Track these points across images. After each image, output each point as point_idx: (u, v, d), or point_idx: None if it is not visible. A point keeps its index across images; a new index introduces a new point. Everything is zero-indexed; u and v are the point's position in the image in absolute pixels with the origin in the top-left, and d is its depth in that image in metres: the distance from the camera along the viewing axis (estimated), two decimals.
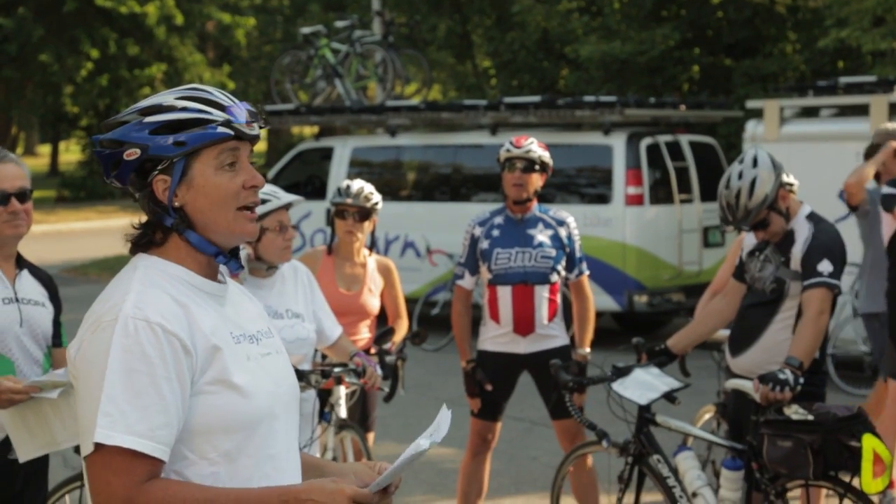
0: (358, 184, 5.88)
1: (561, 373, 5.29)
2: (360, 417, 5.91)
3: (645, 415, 5.18)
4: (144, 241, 2.42)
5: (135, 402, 2.20)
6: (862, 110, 10.15)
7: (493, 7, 20.07)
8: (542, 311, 5.89)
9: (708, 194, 12.54)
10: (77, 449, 4.67)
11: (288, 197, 4.92)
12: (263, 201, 4.79)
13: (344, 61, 15.61)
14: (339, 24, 16.46)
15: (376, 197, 5.85)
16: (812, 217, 5.07)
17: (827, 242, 4.95)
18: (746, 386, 4.84)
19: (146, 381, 2.21)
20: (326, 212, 13.89)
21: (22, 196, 3.97)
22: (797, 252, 4.98)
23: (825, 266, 4.88)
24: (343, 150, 14.00)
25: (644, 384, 5.13)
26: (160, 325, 2.26)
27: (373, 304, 5.94)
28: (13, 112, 28.94)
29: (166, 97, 2.38)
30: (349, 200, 5.79)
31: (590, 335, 5.99)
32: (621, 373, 5.18)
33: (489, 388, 5.93)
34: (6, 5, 26.24)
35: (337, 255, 5.94)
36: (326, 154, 14.19)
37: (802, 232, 5.01)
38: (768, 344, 5.04)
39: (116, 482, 2.17)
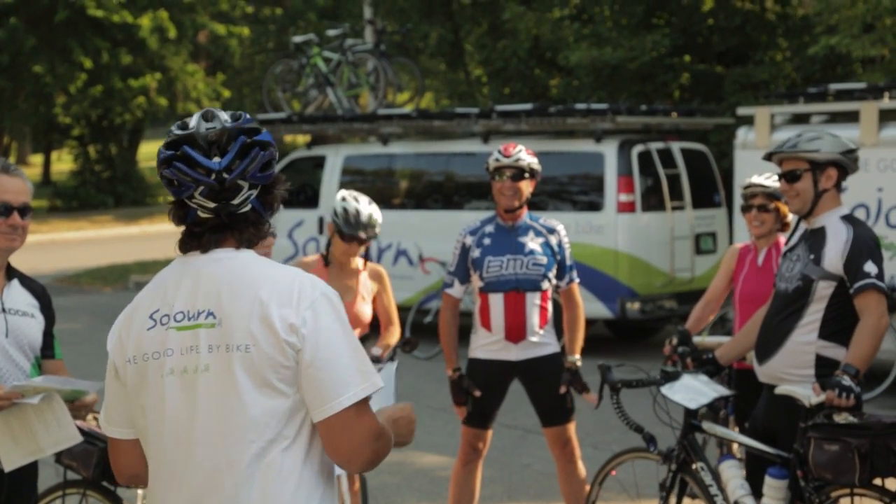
0: (367, 211, 5.76)
1: (609, 374, 5.26)
2: None
3: (692, 421, 5.15)
4: (251, 237, 2.78)
5: (364, 355, 2.75)
6: (852, 117, 10.19)
7: (485, 15, 20.09)
8: (534, 318, 5.90)
9: (699, 201, 12.58)
10: (58, 458, 4.68)
11: None
12: None
13: (336, 70, 15.62)
14: (331, 32, 16.48)
15: (380, 220, 5.82)
16: (848, 218, 4.90)
17: (869, 244, 4.80)
18: (800, 392, 4.72)
19: (357, 339, 2.75)
20: (319, 220, 13.99)
21: (23, 211, 4.01)
22: (831, 252, 4.80)
23: (871, 267, 4.72)
24: (335, 158, 14.01)
25: (693, 389, 5.09)
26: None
27: (366, 312, 5.93)
28: (5, 122, 28.91)
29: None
30: (362, 234, 5.74)
31: (580, 342, 5.99)
32: (670, 377, 5.13)
33: (477, 394, 5.93)
34: None
35: (331, 265, 5.92)
36: (319, 162, 14.21)
37: (839, 233, 4.82)
38: (793, 348, 4.87)
39: (374, 421, 2.71)
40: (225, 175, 2.67)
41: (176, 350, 2.70)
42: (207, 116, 2.73)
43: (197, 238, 2.74)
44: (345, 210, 5.77)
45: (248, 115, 2.77)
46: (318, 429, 2.68)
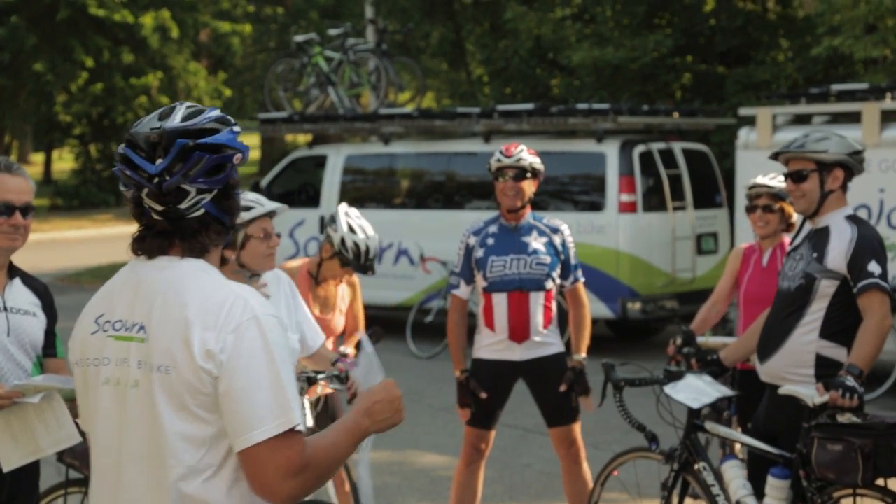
0: (374, 246, 5.73)
1: (612, 372, 5.24)
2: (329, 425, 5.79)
3: (694, 421, 5.14)
4: (202, 245, 2.64)
5: (292, 388, 2.55)
6: (854, 117, 10.18)
7: (486, 15, 20.09)
8: (538, 318, 5.89)
9: (701, 201, 12.57)
10: (60, 457, 4.67)
11: (271, 205, 4.85)
12: (247, 208, 4.78)
13: (337, 69, 15.62)
14: (333, 31, 16.48)
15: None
16: (854, 218, 4.89)
17: (874, 243, 4.79)
18: (803, 392, 4.71)
19: (290, 369, 2.57)
20: (320, 219, 13.97)
21: (25, 210, 4.00)
22: (834, 250, 4.79)
23: (875, 267, 4.72)
24: (337, 157, 14.01)
25: (696, 389, 5.08)
26: (281, 321, 2.62)
27: (340, 323, 5.91)
28: (6, 120, 28.92)
29: (202, 108, 2.67)
30: (369, 273, 5.73)
31: (586, 341, 5.98)
32: (673, 376, 5.13)
33: (483, 396, 5.92)
34: None
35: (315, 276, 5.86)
36: (320, 162, 14.20)
37: (843, 232, 4.81)
38: (793, 348, 4.86)
39: (294, 455, 2.51)
40: (167, 177, 2.56)
41: (112, 360, 2.62)
42: (162, 115, 2.63)
43: (145, 241, 2.65)
44: (356, 245, 5.69)
45: (210, 114, 2.64)
46: (238, 458, 2.54)
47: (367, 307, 13.81)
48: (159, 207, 2.60)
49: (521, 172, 5.89)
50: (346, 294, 5.93)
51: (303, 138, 26.40)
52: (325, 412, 5.80)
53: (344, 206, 5.90)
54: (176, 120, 2.60)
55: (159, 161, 2.57)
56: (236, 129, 2.65)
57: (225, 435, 2.54)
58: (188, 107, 2.65)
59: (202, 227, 2.63)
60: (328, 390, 5.12)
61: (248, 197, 4.84)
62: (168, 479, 2.54)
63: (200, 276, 2.60)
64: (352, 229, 5.71)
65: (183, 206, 2.59)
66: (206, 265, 2.64)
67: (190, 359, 2.51)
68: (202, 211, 2.61)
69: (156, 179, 2.56)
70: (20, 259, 4.22)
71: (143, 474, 2.58)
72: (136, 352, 2.59)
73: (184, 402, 2.52)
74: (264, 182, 14.59)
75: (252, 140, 42.66)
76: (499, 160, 5.91)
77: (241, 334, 2.51)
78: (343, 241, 5.69)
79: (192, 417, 2.53)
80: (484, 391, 5.92)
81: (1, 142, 30.32)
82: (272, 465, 2.49)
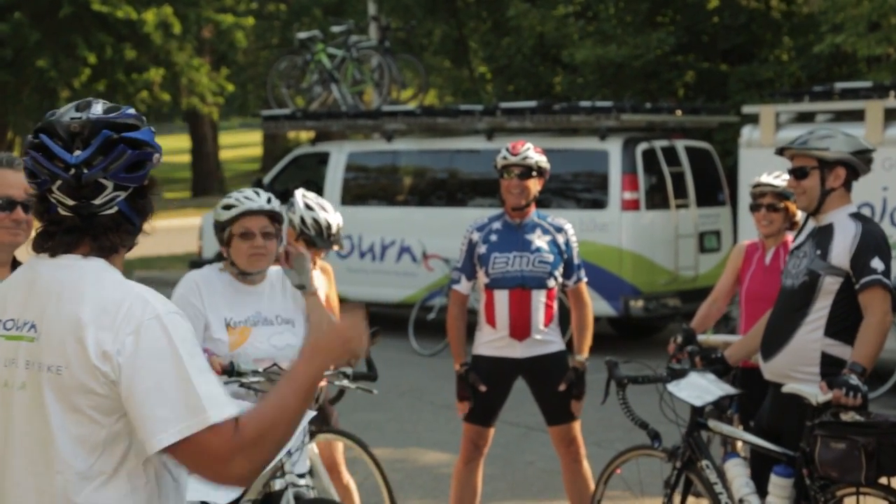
0: (336, 222, 5.67)
1: (616, 370, 5.24)
2: (320, 420, 5.75)
3: (698, 419, 5.14)
4: (112, 244, 2.55)
5: (205, 384, 2.42)
6: (858, 115, 10.16)
7: (489, 12, 20.07)
8: (539, 315, 5.88)
9: (704, 199, 12.57)
10: None
11: (254, 203, 4.76)
12: (230, 207, 4.77)
13: (340, 66, 15.62)
14: (336, 29, 16.47)
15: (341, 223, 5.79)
16: (858, 216, 4.90)
17: (878, 240, 4.80)
18: (806, 391, 4.71)
19: (201, 364, 2.45)
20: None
21: (27, 206, 3.99)
22: (838, 247, 4.79)
23: (878, 264, 4.72)
24: (339, 154, 14.01)
25: (699, 387, 5.09)
26: (184, 315, 2.51)
27: None
28: (9, 116, 28.92)
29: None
30: (335, 247, 5.71)
31: (588, 342, 5.97)
32: (676, 374, 5.13)
33: (483, 389, 5.92)
34: (1, 10, 26.25)
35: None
36: (323, 159, 14.20)
37: (847, 228, 4.81)
38: (798, 346, 4.86)
39: (227, 446, 2.39)
40: (84, 170, 2.45)
41: (0, 361, 2.52)
42: (80, 107, 2.53)
43: (50, 238, 2.53)
44: (316, 221, 5.62)
45: (129, 111, 2.54)
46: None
47: (369, 304, 13.97)
48: (70, 202, 2.49)
49: (527, 171, 5.88)
50: (321, 280, 5.89)
51: (305, 135, 26.38)
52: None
53: (301, 190, 5.84)
54: (98, 111, 2.51)
55: (78, 152, 2.47)
56: (153, 129, 2.57)
57: (117, 440, 2.43)
58: (104, 103, 2.56)
59: (114, 226, 2.53)
60: (323, 382, 5.09)
61: (242, 193, 4.83)
62: (53, 486, 2.43)
63: (100, 275, 2.50)
64: (309, 207, 5.66)
65: (97, 201, 2.49)
66: (107, 265, 2.53)
67: (84, 358, 2.40)
68: (115, 209, 2.51)
69: (73, 170, 2.45)
70: (21, 254, 4.22)
71: (25, 482, 2.46)
72: (24, 351, 2.48)
73: (76, 403, 2.41)
74: (267, 179, 14.59)
75: (255, 137, 42.63)
76: (505, 158, 5.91)
77: (140, 335, 2.40)
78: (303, 220, 5.64)
79: (84, 419, 2.42)
80: (483, 384, 5.91)
81: (3, 138, 30.31)
82: (201, 460, 2.39)
